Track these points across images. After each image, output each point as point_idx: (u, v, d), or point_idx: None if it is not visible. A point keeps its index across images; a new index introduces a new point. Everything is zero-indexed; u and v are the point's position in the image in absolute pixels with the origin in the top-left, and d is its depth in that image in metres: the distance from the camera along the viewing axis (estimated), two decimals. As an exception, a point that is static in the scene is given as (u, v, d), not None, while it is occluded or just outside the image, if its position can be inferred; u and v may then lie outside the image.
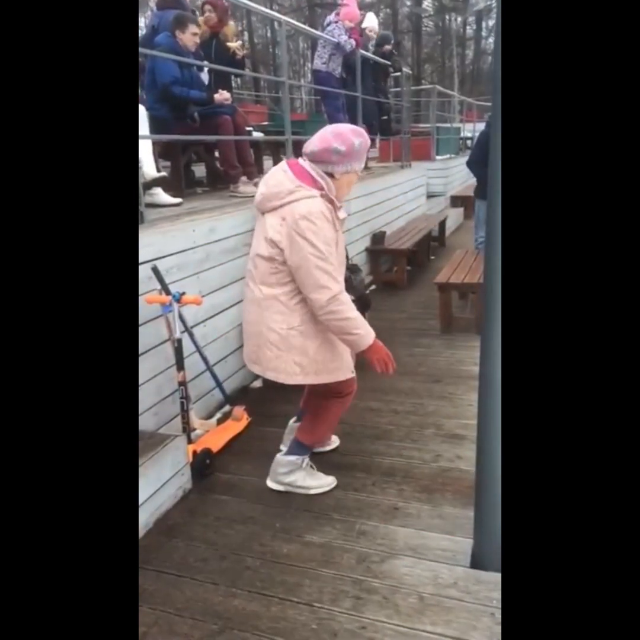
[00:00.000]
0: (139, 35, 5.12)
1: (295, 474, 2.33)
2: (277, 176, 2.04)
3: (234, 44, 4.88)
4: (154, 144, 3.88)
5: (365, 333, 2.06)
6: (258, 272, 2.10)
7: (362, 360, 2.21)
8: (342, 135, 2.00)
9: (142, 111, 3.49)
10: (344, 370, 2.21)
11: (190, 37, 3.89)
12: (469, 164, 4.98)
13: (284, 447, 2.52)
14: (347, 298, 2.03)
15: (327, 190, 2.01)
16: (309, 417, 2.37)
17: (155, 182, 3.37)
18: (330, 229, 2.00)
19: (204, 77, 4.52)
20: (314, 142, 2.03)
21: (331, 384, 2.22)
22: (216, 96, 4.07)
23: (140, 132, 3.17)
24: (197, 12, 5.01)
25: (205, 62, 4.36)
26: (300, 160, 2.09)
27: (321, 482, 2.35)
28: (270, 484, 2.36)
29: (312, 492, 2.31)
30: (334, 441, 2.67)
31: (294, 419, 2.61)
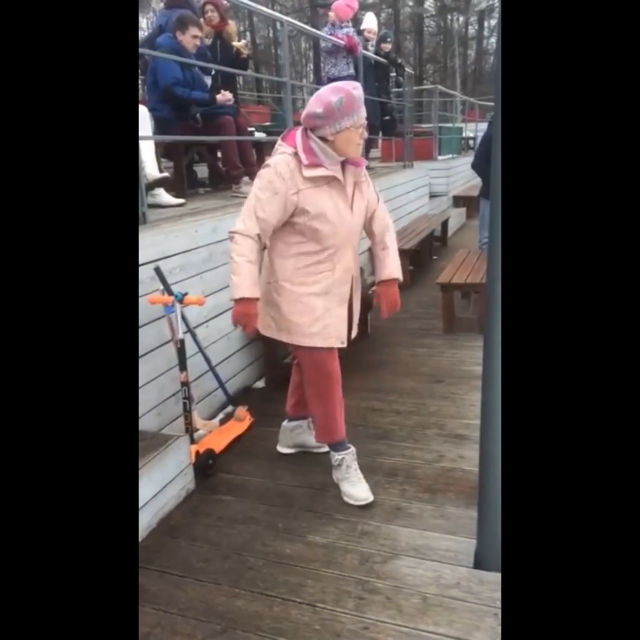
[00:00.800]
0: (142, 35, 5.13)
1: (337, 472, 2.32)
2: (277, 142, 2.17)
3: (239, 43, 4.89)
4: (157, 144, 3.89)
5: (237, 282, 2.04)
6: None
7: (363, 361, 2.20)
8: (320, 97, 2.02)
9: (144, 112, 3.49)
10: (325, 337, 2.16)
11: (190, 39, 3.88)
12: (474, 166, 4.96)
13: (280, 448, 2.60)
14: (246, 244, 2.04)
15: (299, 149, 2.05)
16: (312, 418, 2.37)
17: (158, 183, 3.37)
18: (275, 181, 2.02)
19: (207, 80, 4.52)
20: (304, 111, 2.09)
21: (301, 359, 2.24)
22: (218, 97, 4.07)
23: (142, 133, 3.17)
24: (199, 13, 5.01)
25: (211, 64, 4.35)
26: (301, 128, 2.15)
27: (354, 493, 2.25)
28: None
29: (345, 499, 2.25)
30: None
31: (285, 420, 2.62)
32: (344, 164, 2.11)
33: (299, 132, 2.09)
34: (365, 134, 2.12)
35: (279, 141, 2.14)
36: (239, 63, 4.82)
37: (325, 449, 2.52)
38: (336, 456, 2.30)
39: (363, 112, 2.05)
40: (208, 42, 4.67)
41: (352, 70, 5.76)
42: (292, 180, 2.03)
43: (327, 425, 2.29)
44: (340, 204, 2.10)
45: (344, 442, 2.32)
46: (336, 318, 2.19)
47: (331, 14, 5.65)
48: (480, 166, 4.78)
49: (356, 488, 2.26)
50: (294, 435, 2.61)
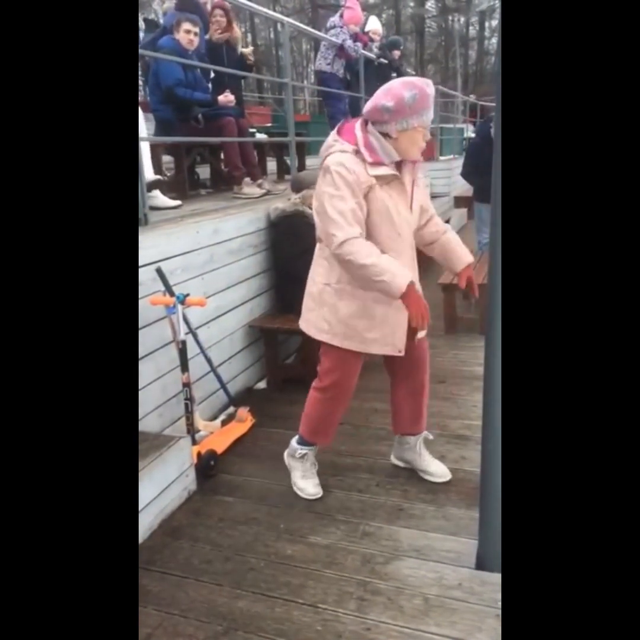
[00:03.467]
0: (141, 35, 5.14)
1: (293, 461, 2.36)
2: (329, 136, 2.06)
3: (246, 50, 4.92)
4: (159, 145, 3.89)
5: (390, 279, 1.86)
6: (317, 229, 2.08)
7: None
8: (391, 90, 1.89)
9: (140, 114, 3.49)
10: (383, 344, 2.09)
11: (183, 35, 3.88)
12: (464, 175, 4.94)
13: (393, 458, 2.50)
14: (363, 244, 1.90)
15: (361, 146, 1.93)
16: (306, 414, 2.32)
17: (151, 186, 3.37)
18: (349, 178, 1.90)
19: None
20: (369, 102, 1.97)
21: (322, 370, 2.19)
22: (220, 98, 4.07)
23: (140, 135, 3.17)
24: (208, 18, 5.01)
25: (211, 65, 4.36)
26: (360, 120, 2.03)
27: (304, 486, 2.32)
28: (285, 454, 2.42)
29: (294, 488, 2.33)
30: (440, 475, 2.38)
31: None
32: (400, 163, 2.02)
33: (358, 126, 1.98)
34: (429, 136, 2.01)
35: (334, 135, 2.02)
36: (245, 69, 4.83)
37: (439, 480, 2.36)
38: (300, 450, 2.32)
39: (432, 113, 1.96)
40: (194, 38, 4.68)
41: (340, 71, 5.78)
42: (361, 176, 1.92)
43: (320, 430, 2.29)
44: (401, 204, 2.03)
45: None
46: (395, 325, 2.08)
47: (351, 25, 5.66)
48: (470, 174, 4.78)
49: (307, 479, 2.34)
50: (402, 450, 2.45)
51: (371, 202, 1.96)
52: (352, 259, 1.88)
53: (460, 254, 2.27)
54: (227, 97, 4.11)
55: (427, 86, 1.90)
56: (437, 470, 2.39)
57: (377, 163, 1.94)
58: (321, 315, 2.09)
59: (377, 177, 1.94)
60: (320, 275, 2.10)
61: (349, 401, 2.27)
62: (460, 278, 2.29)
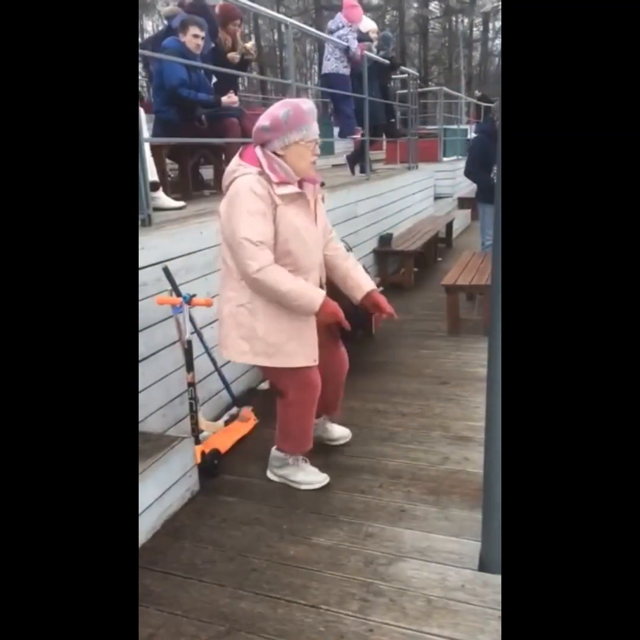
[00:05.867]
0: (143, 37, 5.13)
1: (286, 469, 2.37)
2: (231, 162, 2.11)
3: (248, 44, 4.91)
4: (163, 146, 3.90)
5: (308, 301, 2.04)
6: (221, 252, 2.15)
7: (368, 363, 2.20)
8: (268, 112, 2.05)
9: (142, 114, 3.49)
10: (302, 356, 2.14)
11: (191, 38, 3.89)
12: (468, 173, 4.94)
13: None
14: (277, 271, 1.99)
15: (265, 168, 2.01)
16: (283, 432, 2.35)
17: (152, 187, 3.36)
18: (258, 202, 1.98)
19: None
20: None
21: (280, 381, 2.21)
22: (223, 99, 4.08)
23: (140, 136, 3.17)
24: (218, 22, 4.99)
25: (213, 66, 4.37)
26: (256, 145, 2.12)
27: (311, 479, 2.35)
28: (268, 473, 2.43)
29: (303, 487, 2.33)
30: (344, 436, 2.68)
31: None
32: (301, 183, 2.11)
33: (257, 150, 2.06)
34: (319, 151, 2.13)
35: (237, 160, 2.09)
36: (245, 65, 4.82)
37: (343, 441, 2.63)
38: (290, 457, 2.35)
39: (315, 127, 2.06)
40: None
41: (346, 71, 5.78)
42: (268, 198, 2.00)
43: (302, 440, 2.34)
44: (307, 221, 2.12)
45: None
46: (310, 337, 2.17)
47: (355, 24, 5.67)
48: (473, 172, 4.77)
49: (308, 472, 2.36)
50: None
51: (280, 222, 2.03)
52: (269, 286, 1.99)
53: (361, 281, 2.34)
54: (230, 98, 4.12)
55: (303, 103, 2.05)
56: (341, 433, 2.66)
57: (283, 182, 2.03)
58: (237, 336, 2.11)
59: (284, 197, 2.03)
60: (231, 298, 2.12)
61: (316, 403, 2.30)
62: (368, 306, 2.32)
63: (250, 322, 2.09)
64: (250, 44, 5.02)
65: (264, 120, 2.04)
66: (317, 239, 2.18)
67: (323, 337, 2.24)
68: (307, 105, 2.05)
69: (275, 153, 2.04)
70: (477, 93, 13.21)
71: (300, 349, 2.14)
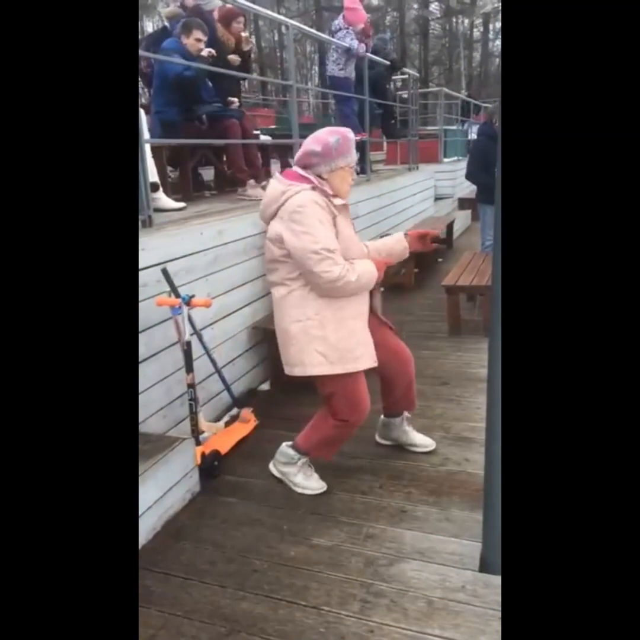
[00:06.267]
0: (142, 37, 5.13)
1: (290, 467, 2.37)
2: (272, 185, 2.21)
3: (244, 34, 4.88)
4: (163, 148, 3.90)
5: (369, 279, 2.18)
6: (273, 276, 2.23)
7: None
8: (317, 137, 2.17)
9: (142, 115, 3.49)
10: (368, 357, 2.21)
11: (193, 42, 3.89)
12: (469, 175, 4.94)
13: (378, 438, 2.66)
14: (347, 270, 2.09)
15: (317, 184, 2.14)
16: (311, 423, 2.37)
17: (152, 188, 3.36)
18: (324, 213, 2.10)
19: None
20: (299, 151, 2.22)
21: (336, 405, 2.23)
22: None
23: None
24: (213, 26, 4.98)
25: (214, 68, 4.37)
26: (293, 168, 2.25)
27: (310, 484, 2.35)
28: (271, 466, 2.46)
29: (297, 490, 2.34)
30: (426, 445, 2.61)
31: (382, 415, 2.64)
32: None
33: (302, 171, 2.17)
34: (355, 175, 2.28)
35: (283, 181, 2.16)
36: (242, 59, 4.77)
37: (423, 450, 2.59)
38: (298, 456, 2.36)
39: (355, 154, 2.22)
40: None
41: (352, 74, 5.78)
42: (328, 209, 2.12)
43: (328, 451, 2.37)
44: (352, 231, 2.28)
45: None
46: (369, 337, 2.25)
47: (358, 25, 5.66)
48: (474, 174, 4.77)
49: (308, 478, 2.36)
50: (387, 430, 2.65)
51: (339, 229, 2.15)
52: (349, 285, 2.10)
53: (389, 240, 2.54)
54: (230, 101, 4.13)
55: (348, 132, 2.21)
56: (422, 441, 2.61)
57: (335, 195, 2.18)
58: (312, 349, 2.15)
59: (338, 208, 2.18)
60: (295, 315, 2.17)
61: None
62: (415, 244, 2.52)
63: (322, 333, 2.15)
64: (245, 34, 4.97)
65: (314, 145, 2.15)
66: (358, 247, 2.31)
67: (379, 336, 2.33)
68: (351, 134, 2.22)
69: (319, 176, 2.16)
70: (464, 92, 13.32)
71: (365, 350, 2.21)
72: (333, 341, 2.14)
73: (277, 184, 2.18)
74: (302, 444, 2.36)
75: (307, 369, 2.18)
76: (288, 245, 2.10)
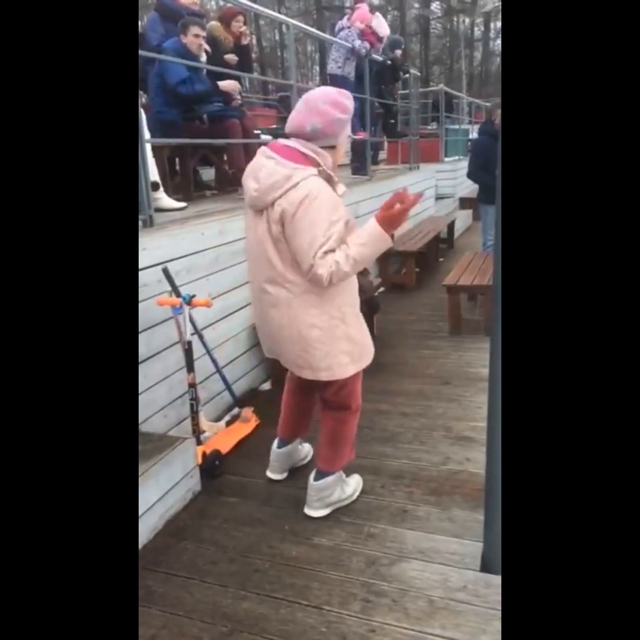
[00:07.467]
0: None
1: (335, 492, 2.20)
2: (267, 166, 1.88)
3: (243, 29, 4.86)
4: (164, 147, 3.90)
5: (380, 247, 1.95)
6: (275, 274, 1.93)
7: (372, 364, 2.19)
8: (337, 103, 1.88)
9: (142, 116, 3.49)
10: (371, 350, 2.16)
11: (192, 39, 3.89)
12: (470, 174, 4.94)
13: (271, 474, 2.44)
14: (345, 251, 1.86)
15: (324, 165, 1.87)
16: (325, 442, 2.20)
17: (152, 187, 3.37)
18: (334, 200, 1.88)
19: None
20: (310, 119, 1.87)
21: (345, 397, 2.14)
22: (222, 84, 4.06)
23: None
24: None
25: (214, 67, 4.37)
26: (282, 141, 1.93)
27: (352, 487, 2.29)
28: (314, 513, 2.17)
29: (355, 496, 2.27)
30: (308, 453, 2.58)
31: (275, 444, 2.44)
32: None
33: (303, 147, 1.87)
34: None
35: (287, 163, 1.85)
36: (242, 54, 4.75)
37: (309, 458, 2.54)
38: (333, 477, 2.18)
39: None
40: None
41: (351, 74, 5.79)
42: (335, 196, 1.91)
43: (353, 448, 2.28)
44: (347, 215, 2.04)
45: None
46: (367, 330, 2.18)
47: (357, 23, 5.67)
48: (475, 173, 4.76)
49: (347, 482, 2.28)
50: (289, 458, 2.47)
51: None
52: (360, 252, 1.88)
53: (366, 224, 2.03)
54: (229, 85, 4.11)
55: (349, 95, 1.97)
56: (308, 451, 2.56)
57: (337, 182, 1.96)
58: (338, 350, 1.99)
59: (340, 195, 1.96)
60: (316, 315, 1.93)
61: None
62: (389, 210, 1.97)
63: (346, 331, 1.99)
64: (243, 28, 4.94)
65: (334, 111, 1.87)
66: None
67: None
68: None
69: (333, 147, 1.93)
70: (444, 87, 13.30)
71: (370, 347, 2.15)
72: (356, 337, 2.03)
73: (276, 166, 1.85)
74: (327, 467, 2.17)
75: (335, 373, 2.01)
76: (290, 239, 1.86)
